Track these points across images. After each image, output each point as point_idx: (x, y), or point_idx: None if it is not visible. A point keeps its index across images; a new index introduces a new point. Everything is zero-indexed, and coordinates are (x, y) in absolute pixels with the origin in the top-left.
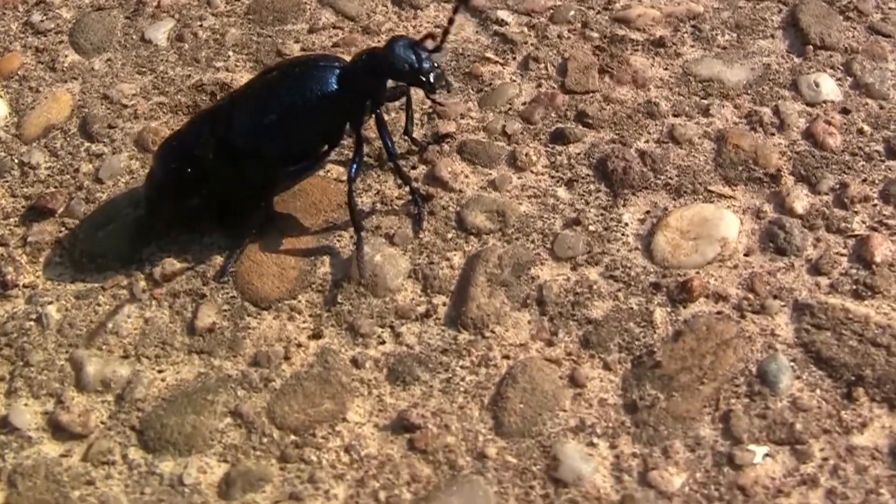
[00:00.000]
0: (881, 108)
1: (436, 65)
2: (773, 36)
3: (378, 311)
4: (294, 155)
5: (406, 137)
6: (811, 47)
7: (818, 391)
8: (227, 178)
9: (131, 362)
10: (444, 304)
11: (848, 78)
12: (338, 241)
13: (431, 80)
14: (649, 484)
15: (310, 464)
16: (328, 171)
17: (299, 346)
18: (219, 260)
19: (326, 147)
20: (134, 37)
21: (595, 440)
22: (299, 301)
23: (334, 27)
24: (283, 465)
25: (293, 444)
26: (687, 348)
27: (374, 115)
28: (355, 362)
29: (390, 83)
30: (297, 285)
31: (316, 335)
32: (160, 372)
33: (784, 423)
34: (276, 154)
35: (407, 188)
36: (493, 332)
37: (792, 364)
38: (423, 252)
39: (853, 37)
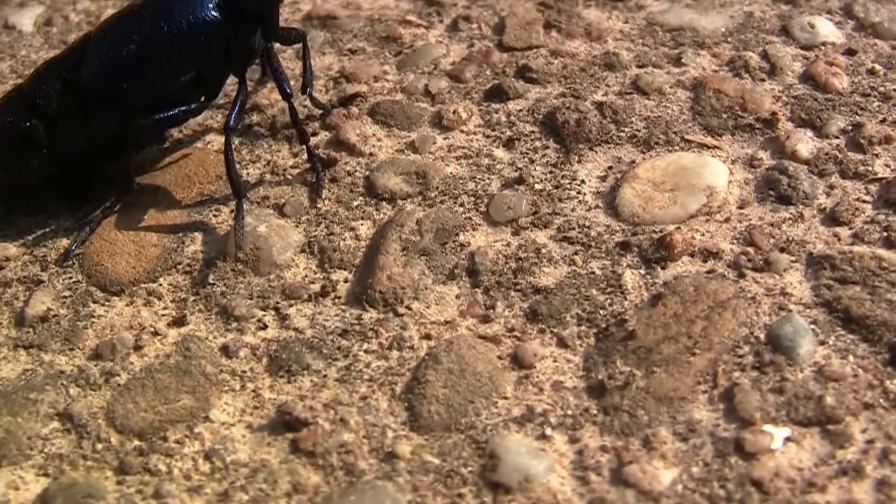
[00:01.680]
0: (894, 48)
1: None
2: None
3: (259, 292)
4: (159, 100)
5: (305, 96)
6: None
7: (851, 357)
8: (75, 133)
9: None
10: (346, 281)
11: (849, 21)
12: (214, 216)
13: None
14: (626, 482)
15: (156, 475)
16: (208, 141)
17: (155, 334)
18: (64, 243)
19: (203, 97)
20: None
21: (549, 432)
22: (160, 284)
23: None
24: (122, 478)
25: (136, 451)
26: (669, 314)
27: (265, 49)
28: (226, 350)
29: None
30: (159, 265)
31: (178, 322)
32: None
33: (810, 396)
34: (136, 98)
35: (303, 145)
36: (408, 308)
37: (812, 326)
38: (322, 223)
39: None
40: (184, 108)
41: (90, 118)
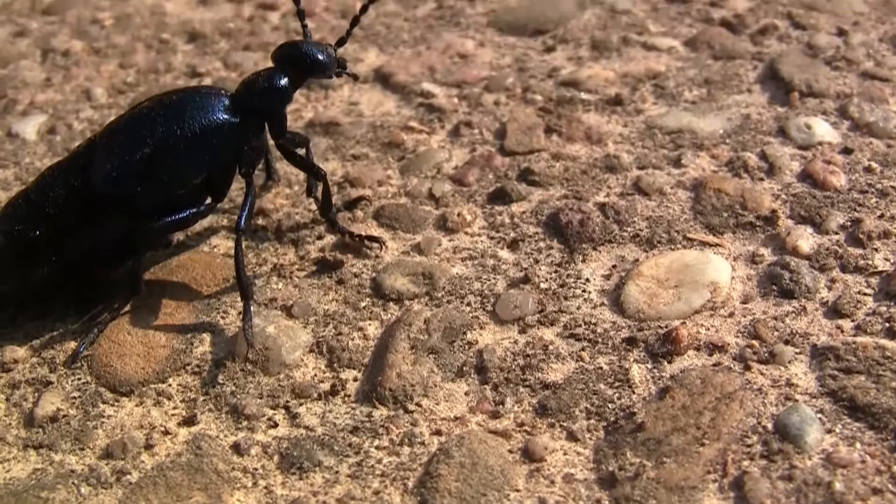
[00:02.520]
0: (889, 146)
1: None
2: (749, 90)
3: (269, 391)
4: (168, 203)
5: (310, 200)
6: (797, 94)
7: (858, 444)
8: (84, 238)
9: None
10: (356, 380)
11: (844, 121)
12: (221, 317)
13: (339, 62)
14: None
15: None
16: (214, 245)
17: (166, 433)
18: (72, 345)
19: (211, 199)
20: None
21: None
22: (169, 385)
23: None
24: None
25: None
26: (677, 406)
27: (281, 149)
28: (237, 448)
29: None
30: (168, 366)
31: (188, 421)
32: None
33: (819, 483)
34: (146, 202)
35: (334, 227)
36: (418, 405)
37: (819, 415)
38: (330, 323)
39: (845, 83)
40: (193, 210)
41: (99, 223)
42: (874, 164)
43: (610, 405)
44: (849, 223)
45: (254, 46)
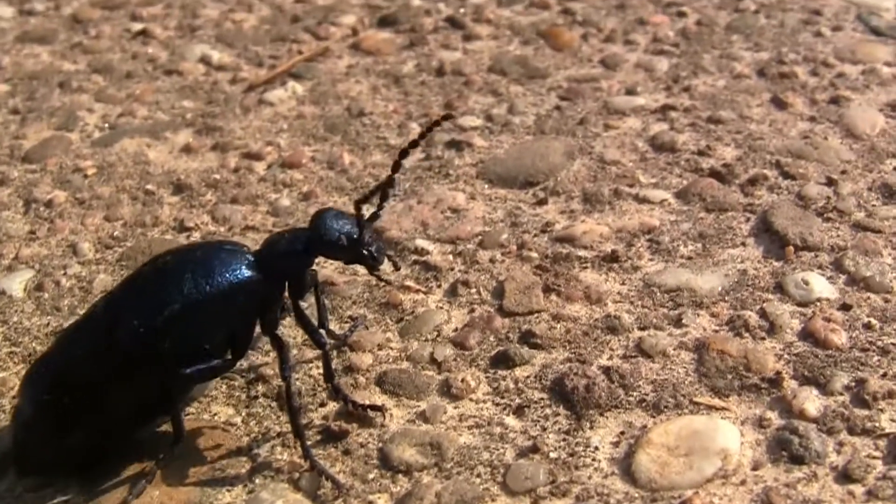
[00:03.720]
0: (886, 301)
1: (375, 236)
2: (743, 244)
3: None
4: (196, 357)
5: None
6: (791, 248)
7: None
8: (116, 397)
9: None
10: None
11: (840, 275)
12: (228, 491)
13: (374, 252)
14: None
15: None
16: (214, 413)
17: None
18: None
19: (230, 356)
20: None
21: None
22: None
23: None
24: None
25: None
26: None
27: (293, 308)
28: None
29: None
30: None
31: None
32: None
33: None
34: (173, 356)
35: (339, 397)
36: None
37: None
38: (338, 499)
39: (838, 235)
40: (220, 361)
41: (129, 380)
42: (873, 321)
43: None
44: (853, 384)
45: (241, 199)
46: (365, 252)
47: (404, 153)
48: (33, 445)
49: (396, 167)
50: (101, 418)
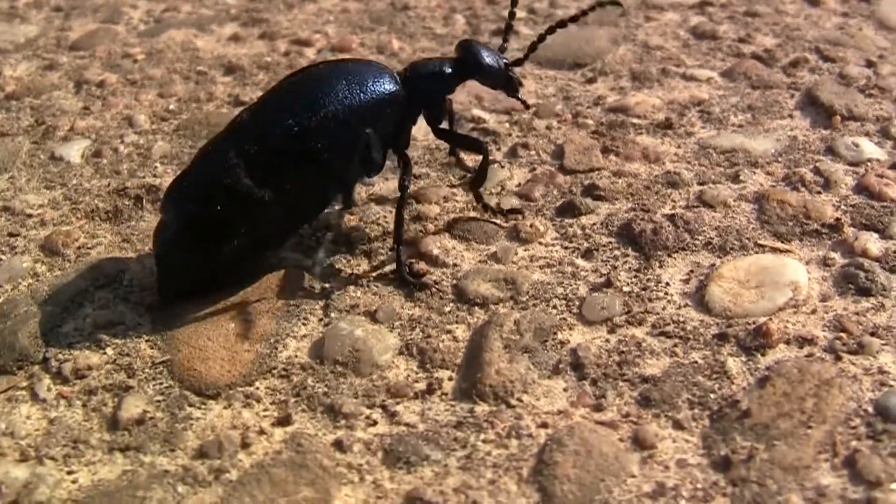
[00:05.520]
0: None
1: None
2: (790, 115)
3: (364, 391)
4: (346, 166)
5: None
6: (838, 118)
7: None
8: (272, 204)
9: (31, 465)
10: (451, 379)
11: (888, 140)
12: (303, 324)
13: (516, 78)
14: None
15: None
16: (283, 258)
17: (261, 432)
18: (148, 351)
19: (368, 169)
20: (41, 156)
21: None
22: (257, 388)
23: None
24: None
25: None
26: (779, 393)
27: (435, 129)
28: (339, 445)
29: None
30: (254, 370)
31: (283, 421)
32: (70, 473)
33: None
34: (326, 159)
35: (477, 186)
36: (519, 400)
37: None
38: (416, 327)
39: (882, 108)
40: (361, 168)
41: (279, 184)
42: None
43: (711, 395)
44: None
45: None
46: (511, 75)
47: (563, 23)
48: (181, 262)
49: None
50: (251, 228)
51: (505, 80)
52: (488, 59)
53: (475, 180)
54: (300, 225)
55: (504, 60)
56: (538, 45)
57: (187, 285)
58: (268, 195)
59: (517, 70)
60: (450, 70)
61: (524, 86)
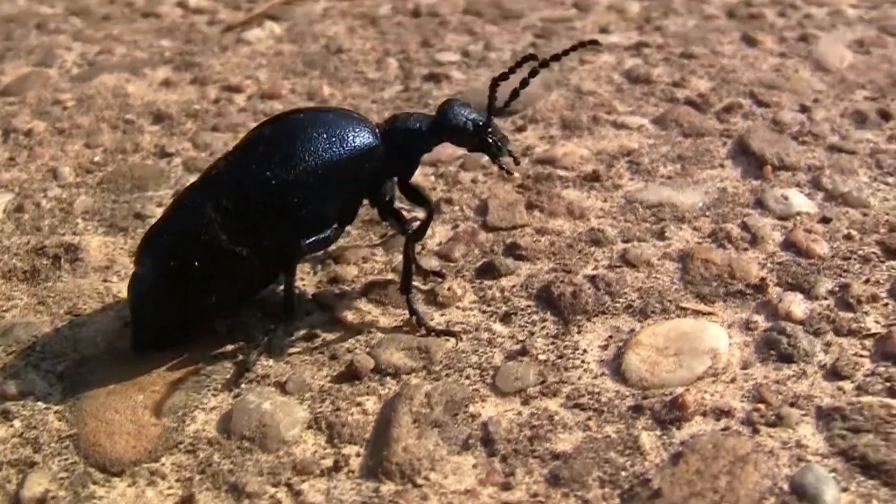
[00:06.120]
0: (864, 214)
1: (498, 129)
2: (722, 165)
3: (269, 468)
4: (319, 220)
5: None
6: (769, 168)
7: (875, 501)
8: (246, 260)
9: None
10: (359, 455)
11: (818, 192)
12: (213, 395)
13: (498, 141)
14: None
15: None
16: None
17: None
18: (56, 423)
19: (337, 224)
20: None
21: None
22: (162, 464)
23: None
24: None
25: None
26: (692, 471)
27: (401, 187)
28: None
29: None
30: (160, 445)
31: (186, 501)
32: None
33: None
34: (301, 214)
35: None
36: (426, 479)
37: (833, 475)
38: (327, 399)
39: (814, 156)
40: (332, 231)
41: (257, 243)
42: (853, 232)
43: (623, 473)
44: (837, 289)
45: (222, 127)
46: (490, 141)
47: (545, 63)
48: (156, 315)
49: (533, 73)
50: (228, 281)
51: (480, 146)
52: (461, 121)
53: (414, 235)
54: (276, 277)
55: (482, 122)
56: (520, 90)
57: (162, 337)
58: (245, 251)
59: (501, 128)
60: (426, 129)
61: (510, 149)
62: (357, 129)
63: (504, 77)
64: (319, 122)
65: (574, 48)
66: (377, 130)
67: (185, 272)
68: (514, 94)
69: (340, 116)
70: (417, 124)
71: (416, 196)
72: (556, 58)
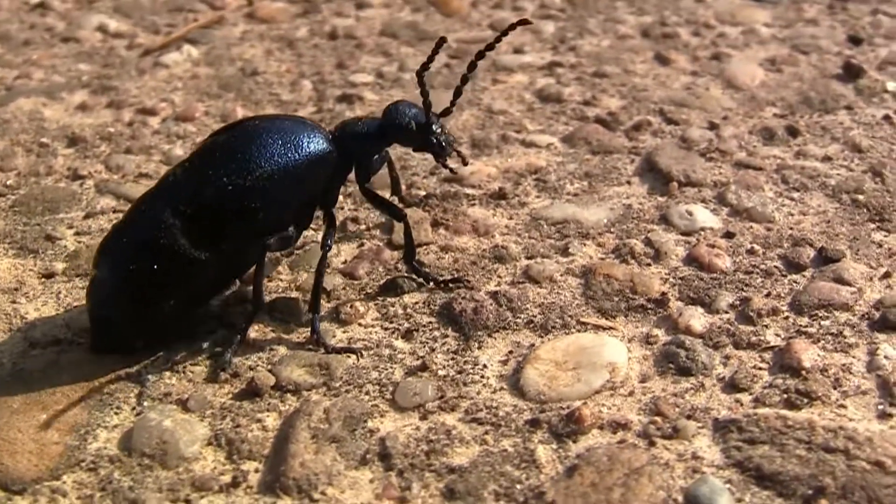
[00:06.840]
0: (768, 229)
1: (446, 128)
2: (628, 182)
3: (169, 485)
4: (277, 223)
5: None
6: (675, 184)
7: None
8: (206, 263)
9: None
10: (257, 471)
11: (724, 207)
12: (115, 413)
13: (443, 140)
14: None
15: None
16: None
17: None
18: None
19: (293, 228)
20: None
21: None
22: (63, 482)
23: (115, 211)
24: None
25: None
26: (586, 483)
27: (362, 191)
28: None
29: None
30: (62, 463)
31: None
32: None
33: None
34: (258, 219)
35: (409, 258)
36: (323, 494)
37: (727, 486)
38: (227, 416)
39: (720, 172)
40: (291, 231)
41: (216, 246)
42: (756, 247)
43: (518, 486)
44: (738, 302)
45: (135, 150)
46: (433, 139)
47: (481, 55)
48: (116, 320)
49: (471, 67)
50: (188, 285)
51: (426, 145)
52: (404, 121)
53: (405, 254)
54: (234, 279)
55: (430, 123)
56: (462, 87)
57: (122, 342)
58: (204, 255)
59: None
60: (374, 131)
61: (459, 150)
62: (311, 136)
63: (425, 67)
64: (275, 128)
65: (505, 33)
66: (330, 136)
67: (145, 277)
68: (458, 91)
69: (295, 123)
70: (366, 128)
71: (385, 205)
72: (490, 47)
